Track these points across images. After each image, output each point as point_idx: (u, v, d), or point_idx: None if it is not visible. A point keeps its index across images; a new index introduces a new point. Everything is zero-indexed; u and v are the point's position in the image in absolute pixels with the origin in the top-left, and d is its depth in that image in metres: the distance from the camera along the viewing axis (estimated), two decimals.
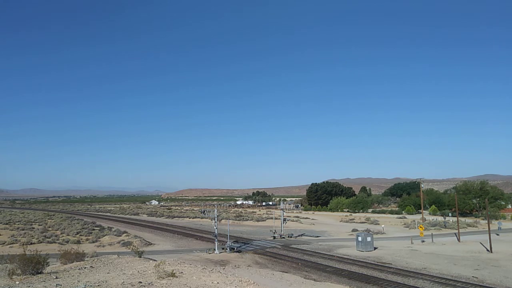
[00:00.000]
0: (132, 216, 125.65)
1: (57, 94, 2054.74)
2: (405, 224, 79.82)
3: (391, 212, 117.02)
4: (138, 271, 21.91)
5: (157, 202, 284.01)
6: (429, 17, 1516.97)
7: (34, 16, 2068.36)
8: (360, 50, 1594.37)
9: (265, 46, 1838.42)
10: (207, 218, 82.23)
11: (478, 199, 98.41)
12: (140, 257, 33.79)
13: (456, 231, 56.90)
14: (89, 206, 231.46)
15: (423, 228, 57.24)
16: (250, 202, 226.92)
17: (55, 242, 55.67)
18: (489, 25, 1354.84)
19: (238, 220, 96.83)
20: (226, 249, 45.98)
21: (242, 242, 54.54)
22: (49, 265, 26.02)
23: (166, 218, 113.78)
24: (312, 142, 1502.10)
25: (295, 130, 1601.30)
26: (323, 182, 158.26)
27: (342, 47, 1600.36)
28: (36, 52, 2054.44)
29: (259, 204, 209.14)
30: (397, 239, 57.59)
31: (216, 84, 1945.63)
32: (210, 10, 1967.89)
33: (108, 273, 21.97)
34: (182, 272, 21.68)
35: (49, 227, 78.27)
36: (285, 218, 65.58)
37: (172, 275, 19.58)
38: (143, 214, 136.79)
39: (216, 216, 49.98)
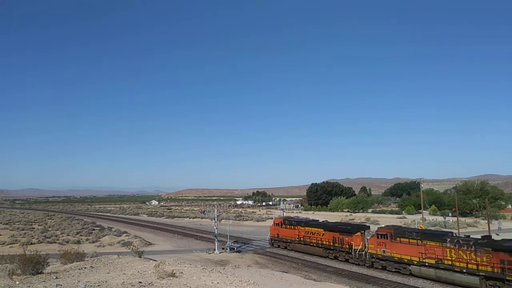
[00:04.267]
0: (132, 216, 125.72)
1: (57, 93, 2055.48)
2: (405, 224, 79.73)
3: (391, 212, 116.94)
4: (138, 271, 21.91)
5: (157, 202, 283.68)
6: (427, 14, 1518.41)
7: (32, 14, 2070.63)
8: (360, 48, 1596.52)
9: (265, 43, 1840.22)
10: (207, 218, 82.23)
11: (478, 199, 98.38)
12: (140, 257, 33.79)
13: (456, 231, 56.89)
14: (89, 206, 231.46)
15: (423, 228, 57.21)
16: (250, 202, 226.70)
17: (55, 242, 55.73)
18: (489, 23, 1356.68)
19: (238, 220, 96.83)
20: (226, 249, 46.02)
21: (242, 242, 54.58)
22: (49, 265, 26.00)
23: (166, 218, 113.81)
24: (312, 142, 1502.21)
25: (295, 130, 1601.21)
26: (323, 182, 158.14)
27: (342, 45, 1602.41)
28: (36, 51, 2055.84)
29: (259, 204, 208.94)
30: None
31: (216, 82, 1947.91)
32: (201, 8, 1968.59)
33: (108, 273, 21.97)
34: (182, 272, 21.68)
35: (49, 227, 78.32)
36: None
37: (172, 275, 19.58)
38: (143, 214, 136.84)
39: (216, 216, 50.04)
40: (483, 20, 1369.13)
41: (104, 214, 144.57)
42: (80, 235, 63.43)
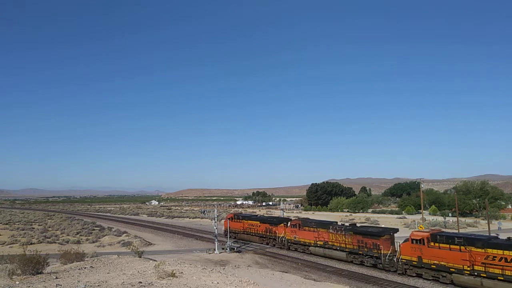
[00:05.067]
0: (132, 216, 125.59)
1: (57, 93, 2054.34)
2: (405, 224, 79.79)
3: (391, 212, 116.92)
4: (138, 271, 21.92)
5: (157, 202, 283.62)
6: (426, 13, 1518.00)
7: (32, 14, 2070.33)
8: (360, 48, 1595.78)
9: (265, 42, 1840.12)
10: (207, 218, 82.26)
11: (478, 199, 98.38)
12: (140, 257, 33.81)
13: (456, 231, 56.90)
14: (89, 206, 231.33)
15: (423, 228, 57.20)
16: (250, 202, 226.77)
17: (55, 242, 55.70)
18: (490, 21, 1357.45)
19: None
20: (226, 249, 46.00)
21: (242, 242, 54.60)
22: (49, 265, 26.04)
23: (166, 218, 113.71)
24: (312, 142, 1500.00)
25: (295, 130, 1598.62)
26: (323, 182, 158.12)
27: (342, 44, 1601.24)
28: (36, 51, 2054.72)
29: (259, 204, 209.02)
30: (397, 239, 57.52)
31: (216, 82, 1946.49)
32: (199, 8, 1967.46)
33: (108, 273, 21.97)
34: (182, 272, 21.70)
35: (49, 227, 78.29)
36: None
37: (172, 275, 19.60)
38: (143, 214, 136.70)
39: (216, 216, 50.08)
40: (483, 20, 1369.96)
41: (104, 214, 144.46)
42: (80, 235, 63.38)
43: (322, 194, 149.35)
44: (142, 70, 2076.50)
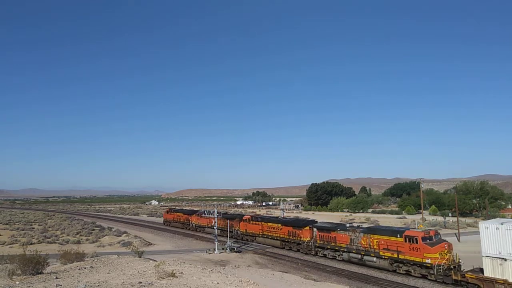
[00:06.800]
0: (132, 216, 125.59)
1: (57, 93, 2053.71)
2: (405, 224, 79.74)
3: (391, 212, 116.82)
4: (138, 271, 21.92)
5: (157, 202, 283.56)
6: (426, 13, 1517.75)
7: (30, 13, 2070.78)
8: (359, 47, 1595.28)
9: (265, 42, 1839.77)
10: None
11: (478, 199, 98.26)
12: (140, 257, 33.82)
13: (456, 231, 56.95)
14: (89, 206, 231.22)
15: (423, 228, 57.14)
16: (250, 202, 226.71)
17: (55, 242, 55.74)
18: (490, 21, 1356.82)
19: None
20: (226, 249, 46.02)
21: (242, 242, 54.63)
22: (49, 265, 26.03)
23: None
24: (312, 142, 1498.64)
25: (295, 130, 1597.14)
26: (323, 182, 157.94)
27: (341, 44, 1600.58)
28: (35, 49, 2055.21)
29: (259, 204, 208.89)
30: None
31: (216, 82, 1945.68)
32: (199, 8, 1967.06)
33: (108, 273, 21.97)
34: (182, 272, 21.70)
35: (49, 227, 78.28)
36: None
37: (172, 275, 19.60)
38: (143, 214, 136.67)
39: (216, 216, 50.06)
40: (483, 20, 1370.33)
41: (104, 214, 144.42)
42: (80, 235, 63.40)
43: (322, 194, 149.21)
44: (142, 70, 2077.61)
